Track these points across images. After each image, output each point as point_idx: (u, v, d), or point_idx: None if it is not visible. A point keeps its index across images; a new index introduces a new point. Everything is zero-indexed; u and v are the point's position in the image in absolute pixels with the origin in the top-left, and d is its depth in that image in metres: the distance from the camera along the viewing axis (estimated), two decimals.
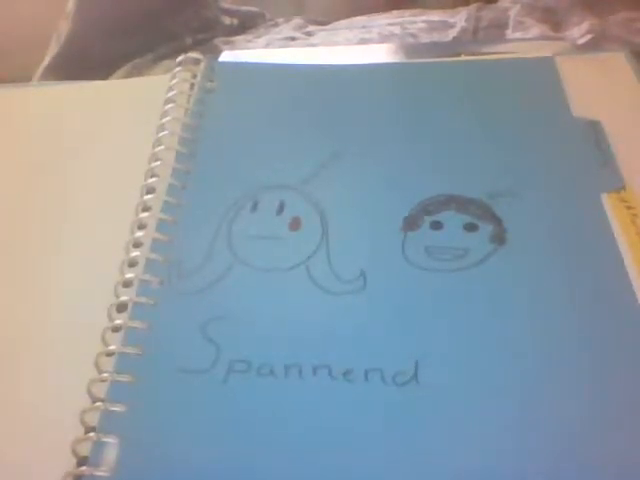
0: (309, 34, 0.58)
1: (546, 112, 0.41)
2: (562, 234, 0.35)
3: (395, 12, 0.57)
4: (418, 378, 0.30)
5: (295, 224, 0.37)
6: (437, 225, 0.36)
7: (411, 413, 0.29)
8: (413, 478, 0.28)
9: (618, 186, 0.37)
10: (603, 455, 0.28)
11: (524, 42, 0.50)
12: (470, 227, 0.35)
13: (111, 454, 0.29)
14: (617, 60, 0.45)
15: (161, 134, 0.41)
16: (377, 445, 0.29)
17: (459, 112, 0.42)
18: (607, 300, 0.32)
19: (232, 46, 0.57)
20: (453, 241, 0.35)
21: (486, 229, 0.35)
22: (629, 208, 0.35)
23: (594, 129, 0.40)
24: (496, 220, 0.36)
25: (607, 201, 0.36)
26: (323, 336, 0.32)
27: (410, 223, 0.36)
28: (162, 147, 0.41)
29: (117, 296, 0.34)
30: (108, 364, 0.32)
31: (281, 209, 0.37)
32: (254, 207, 0.38)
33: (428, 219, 0.36)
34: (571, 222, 0.35)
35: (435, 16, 0.55)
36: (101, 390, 0.31)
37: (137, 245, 0.36)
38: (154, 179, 0.39)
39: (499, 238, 0.35)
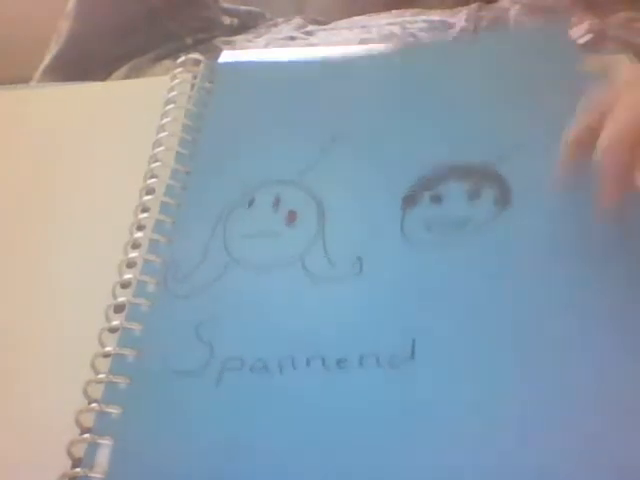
0: (309, 34, 0.57)
1: (554, 75, 0.39)
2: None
3: (395, 12, 0.57)
4: (415, 356, 0.30)
5: (291, 217, 0.37)
6: (437, 198, 0.35)
7: (408, 392, 0.29)
8: (411, 458, 0.28)
9: None
10: (604, 443, 0.27)
11: None
12: (473, 194, 0.35)
13: (105, 456, 0.29)
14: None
15: (161, 135, 0.41)
16: (375, 430, 0.29)
17: (457, 81, 0.41)
18: (621, 259, 0.31)
19: (232, 46, 0.57)
20: (455, 211, 0.34)
21: (490, 193, 0.35)
22: None
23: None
24: (501, 182, 0.35)
25: None
26: (316, 327, 0.32)
27: (409, 200, 0.35)
28: (162, 148, 0.41)
29: (115, 297, 0.34)
30: (105, 365, 0.32)
31: (277, 204, 0.37)
32: (250, 204, 0.38)
33: (428, 194, 0.35)
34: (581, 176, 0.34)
35: (435, 16, 0.55)
36: (97, 391, 0.31)
37: (136, 246, 0.36)
38: (154, 180, 0.39)
39: (504, 199, 0.34)
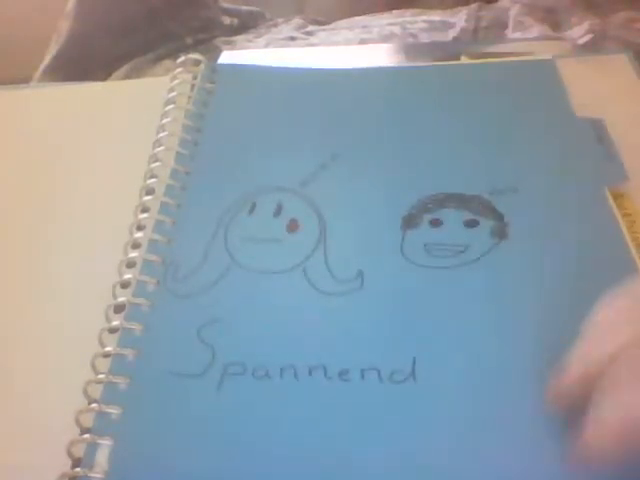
0: (309, 34, 0.57)
1: (547, 112, 0.41)
2: (565, 227, 0.35)
3: (395, 12, 0.57)
4: (415, 375, 0.30)
5: (293, 226, 0.37)
6: (437, 222, 0.36)
7: (408, 411, 0.29)
8: (411, 475, 0.28)
9: (620, 179, 0.37)
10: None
11: (524, 42, 0.50)
12: (470, 223, 0.36)
13: (105, 456, 0.29)
14: (619, 61, 0.45)
15: (161, 135, 0.41)
16: (375, 444, 0.29)
17: (459, 114, 0.42)
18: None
19: (232, 46, 0.57)
20: (453, 237, 0.35)
21: (487, 224, 0.35)
22: (627, 215, 0.35)
23: (596, 126, 0.40)
24: (497, 215, 0.36)
25: (610, 195, 0.36)
26: (319, 337, 0.32)
27: (409, 222, 0.36)
28: (162, 148, 0.41)
29: (115, 297, 0.34)
30: (105, 365, 0.32)
31: (279, 211, 0.37)
32: (252, 209, 0.38)
33: (427, 217, 0.36)
34: (574, 215, 0.35)
35: (435, 16, 0.55)
36: (97, 391, 0.31)
37: (136, 246, 0.36)
38: (154, 180, 0.39)
39: (500, 233, 0.35)
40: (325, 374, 0.31)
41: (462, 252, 0.34)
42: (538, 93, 0.43)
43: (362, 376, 0.30)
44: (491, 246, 0.35)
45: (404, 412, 0.29)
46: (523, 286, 0.33)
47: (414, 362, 0.31)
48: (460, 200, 0.36)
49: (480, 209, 0.36)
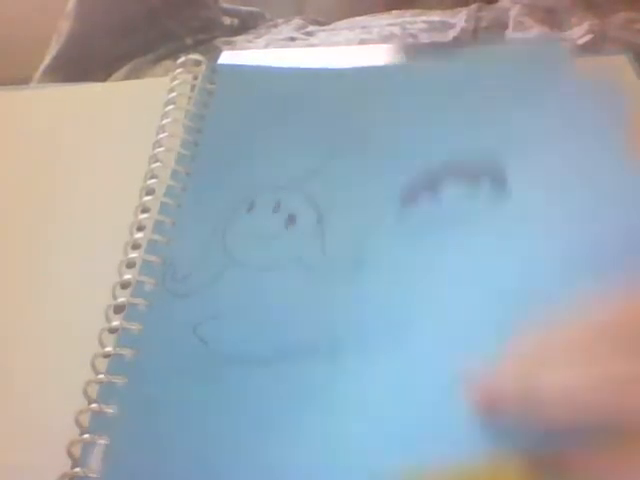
0: (309, 34, 0.58)
1: (550, 81, 0.41)
2: (569, 178, 0.35)
3: (395, 12, 0.58)
4: (409, 340, 0.30)
5: (290, 220, 0.37)
6: (436, 197, 0.36)
7: (409, 378, 0.29)
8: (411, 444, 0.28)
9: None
10: None
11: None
12: (470, 188, 0.35)
13: (102, 456, 0.29)
14: (619, 62, 0.45)
15: (161, 135, 0.41)
16: (378, 421, 0.29)
17: (459, 99, 0.41)
18: (617, 241, 0.32)
19: (232, 46, 0.57)
20: (454, 209, 0.35)
21: (486, 185, 0.35)
22: None
23: (605, 91, 0.39)
24: (498, 174, 0.35)
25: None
26: (315, 326, 0.32)
27: (408, 200, 0.36)
28: (162, 148, 0.41)
29: (115, 297, 0.34)
30: (105, 366, 0.32)
31: (277, 209, 0.37)
32: (251, 207, 0.38)
33: (427, 193, 0.36)
34: (579, 167, 0.35)
35: (435, 16, 0.55)
36: (96, 392, 0.31)
37: (136, 246, 0.36)
38: (154, 180, 0.39)
39: (500, 188, 0.35)
40: (320, 357, 0.31)
41: (463, 221, 0.34)
42: (542, 65, 0.42)
43: (358, 356, 0.30)
44: (492, 205, 0.34)
45: (404, 380, 0.29)
46: (527, 243, 0.33)
47: (409, 327, 0.31)
48: (459, 169, 0.36)
49: (480, 172, 0.36)
